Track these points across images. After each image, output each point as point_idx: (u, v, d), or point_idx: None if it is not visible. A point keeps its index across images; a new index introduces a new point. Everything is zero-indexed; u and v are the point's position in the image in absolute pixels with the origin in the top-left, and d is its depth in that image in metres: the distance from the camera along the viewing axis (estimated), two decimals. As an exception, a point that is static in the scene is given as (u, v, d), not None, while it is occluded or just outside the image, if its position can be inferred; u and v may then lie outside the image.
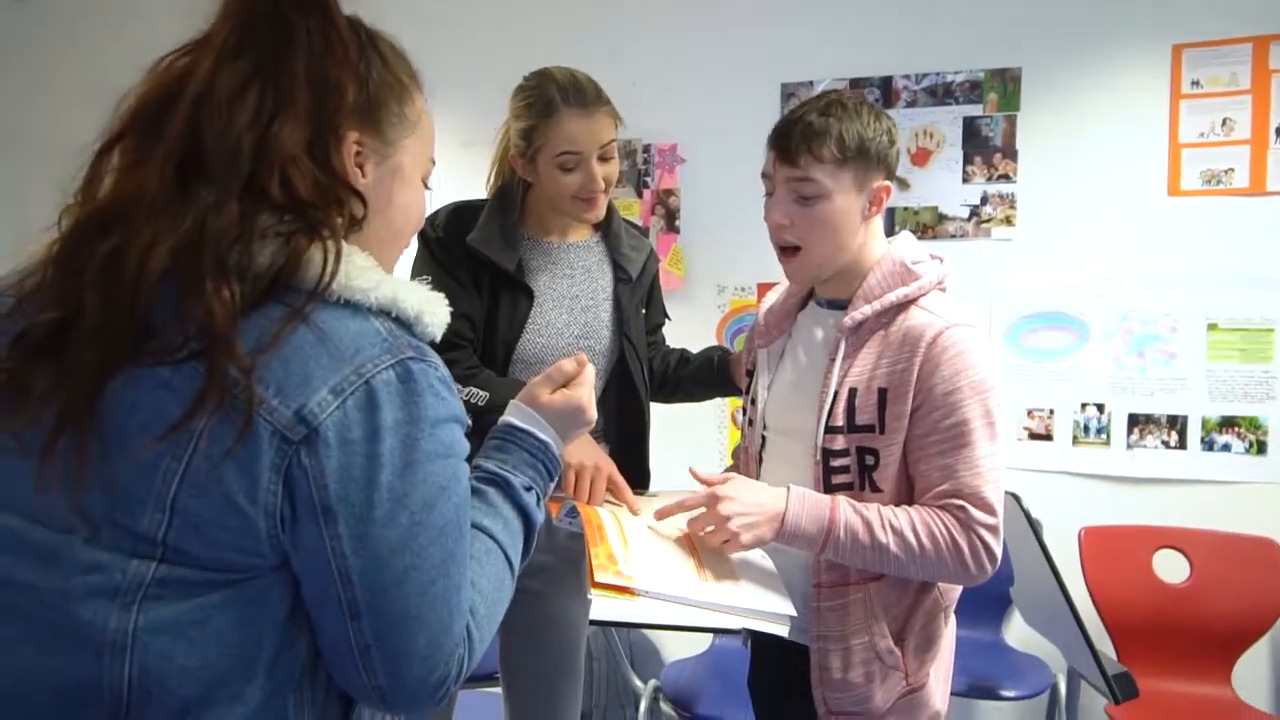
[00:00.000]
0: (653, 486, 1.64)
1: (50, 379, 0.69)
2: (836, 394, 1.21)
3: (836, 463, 1.21)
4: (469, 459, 0.79)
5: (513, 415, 0.96)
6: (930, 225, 2.58)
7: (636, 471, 1.61)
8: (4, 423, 0.70)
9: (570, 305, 1.59)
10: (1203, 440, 2.38)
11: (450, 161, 2.96)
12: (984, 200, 2.55)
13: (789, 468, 1.26)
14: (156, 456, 0.67)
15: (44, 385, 0.69)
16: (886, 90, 2.61)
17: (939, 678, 1.29)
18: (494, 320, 1.54)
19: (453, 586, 0.73)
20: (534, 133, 1.48)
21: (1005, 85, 2.53)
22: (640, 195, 2.81)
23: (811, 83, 2.65)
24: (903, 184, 2.57)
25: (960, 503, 1.15)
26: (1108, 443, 2.45)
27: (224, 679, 0.70)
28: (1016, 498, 1.76)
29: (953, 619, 1.32)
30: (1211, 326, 2.38)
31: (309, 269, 0.71)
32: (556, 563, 1.58)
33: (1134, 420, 2.43)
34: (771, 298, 1.41)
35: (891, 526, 1.15)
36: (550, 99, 1.46)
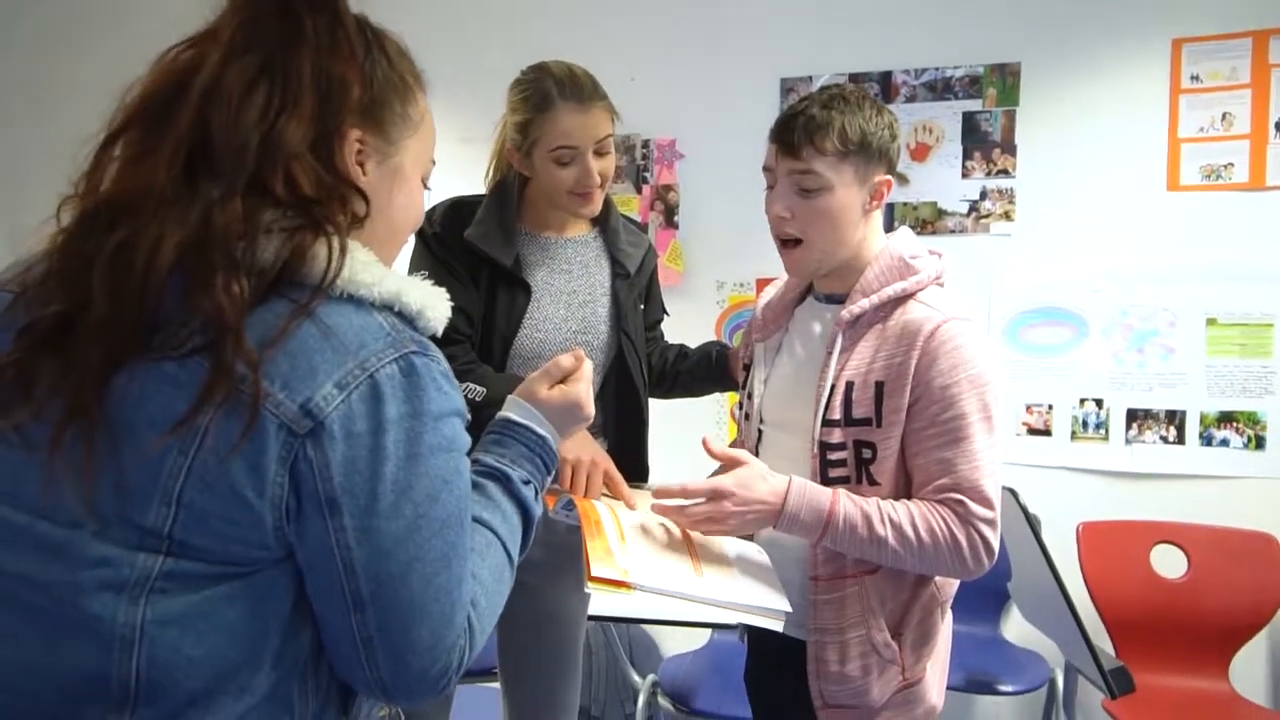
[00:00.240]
0: (651, 481, 1.64)
1: (56, 372, 0.70)
2: (833, 388, 1.21)
3: (834, 456, 1.21)
4: (467, 453, 0.79)
5: (511, 410, 0.96)
6: (929, 220, 2.58)
7: (635, 467, 1.61)
8: (9, 416, 0.70)
9: (568, 300, 1.59)
10: (1201, 435, 2.39)
11: (449, 157, 2.96)
12: (983, 195, 2.55)
13: (786, 462, 1.26)
14: (163, 451, 0.68)
15: (50, 379, 0.70)
16: (886, 85, 2.61)
17: (936, 672, 1.29)
18: (491, 315, 1.54)
19: (454, 579, 0.74)
20: (530, 126, 1.47)
21: (1004, 80, 2.53)
22: (639, 191, 2.80)
23: (811, 78, 2.65)
24: (902, 179, 2.56)
25: (959, 497, 1.15)
26: (1106, 438, 2.45)
27: (231, 670, 0.70)
28: (1014, 493, 1.77)
29: (949, 614, 1.32)
30: (1210, 321, 2.38)
31: (314, 264, 0.72)
32: (554, 558, 1.58)
33: (1133, 415, 2.43)
34: (769, 292, 1.41)
35: (890, 520, 1.15)
36: (546, 93, 1.46)
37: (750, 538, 1.30)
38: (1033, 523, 1.81)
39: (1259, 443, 2.35)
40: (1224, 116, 2.37)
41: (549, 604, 1.65)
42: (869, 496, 1.19)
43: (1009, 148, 2.53)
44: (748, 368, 1.40)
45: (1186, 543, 2.29)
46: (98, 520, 0.69)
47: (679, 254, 2.78)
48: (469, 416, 0.78)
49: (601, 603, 1.07)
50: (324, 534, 0.70)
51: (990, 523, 1.16)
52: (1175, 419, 2.40)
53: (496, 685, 1.76)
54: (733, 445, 1.49)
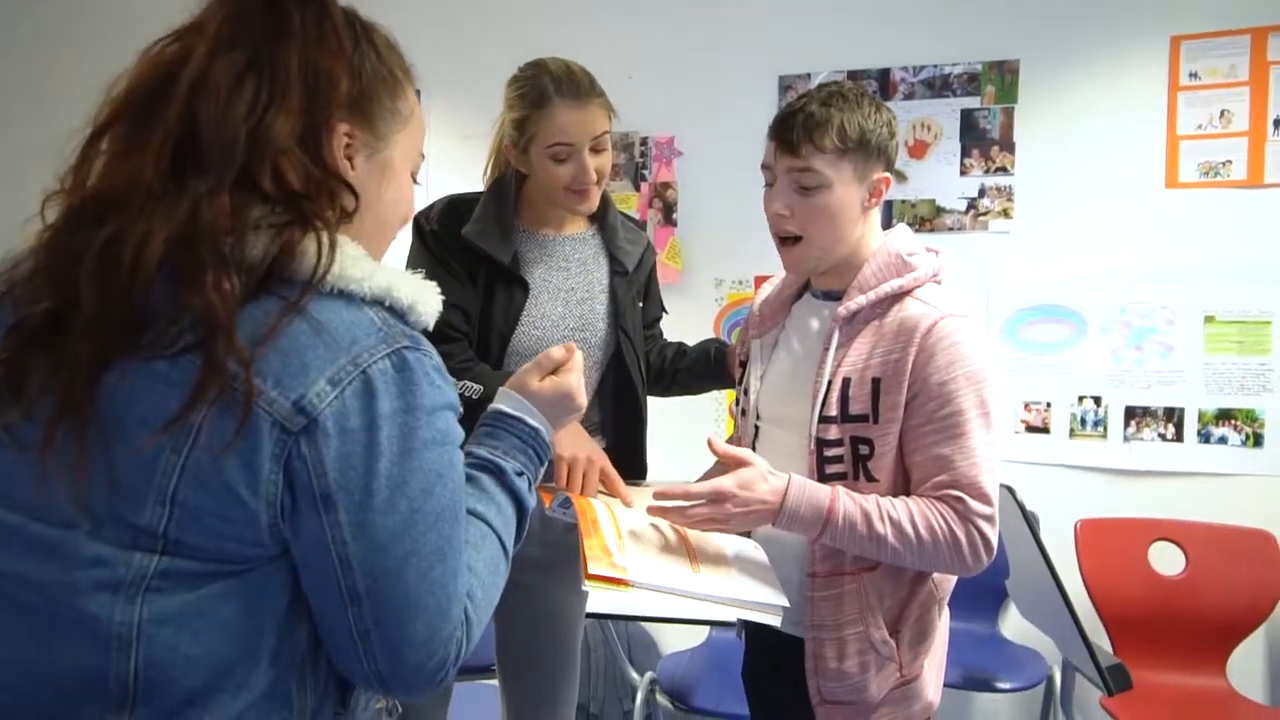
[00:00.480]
0: (650, 479, 1.64)
1: (46, 371, 0.69)
2: (830, 384, 1.21)
3: (830, 452, 1.21)
4: (460, 446, 0.79)
5: (503, 402, 0.96)
6: (928, 218, 2.58)
7: (633, 464, 1.61)
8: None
9: (566, 298, 1.59)
10: (1199, 433, 2.39)
11: (448, 154, 2.98)
12: (981, 193, 2.55)
13: (782, 458, 1.26)
14: (156, 450, 0.68)
15: (40, 377, 0.69)
16: (884, 82, 2.61)
17: (933, 669, 1.29)
18: (489, 313, 1.54)
19: (450, 572, 0.74)
20: (526, 123, 1.47)
21: (1003, 77, 2.53)
22: (638, 188, 2.80)
23: (809, 75, 2.64)
24: (900, 177, 2.56)
25: (957, 494, 1.15)
26: (1105, 435, 2.45)
27: (229, 668, 0.71)
28: (1011, 491, 1.77)
29: (946, 611, 1.33)
30: (1209, 319, 2.38)
31: (303, 260, 0.71)
32: (552, 556, 1.58)
33: (1131, 413, 2.43)
34: (766, 289, 1.41)
35: (889, 518, 1.15)
36: (543, 89, 1.45)
37: (748, 534, 1.30)
38: (1030, 520, 1.81)
39: (1257, 440, 2.35)
40: (1222, 114, 2.37)
41: (547, 602, 1.65)
42: (867, 493, 1.19)
43: (1007, 145, 2.53)
44: (744, 364, 1.40)
45: (1184, 540, 2.30)
46: (91, 520, 0.69)
47: (677, 251, 2.78)
48: (461, 410, 0.78)
49: (599, 600, 1.07)
50: (319, 530, 0.70)
51: (989, 519, 1.16)
52: (1173, 416, 2.40)
53: (495, 682, 1.76)
54: (730, 442, 1.50)
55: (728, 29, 2.71)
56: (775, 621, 1.11)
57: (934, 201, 2.58)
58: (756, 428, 1.35)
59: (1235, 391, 2.36)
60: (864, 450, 1.20)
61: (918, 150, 2.59)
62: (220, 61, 0.72)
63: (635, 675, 2.35)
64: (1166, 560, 2.30)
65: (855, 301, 1.22)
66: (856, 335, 1.22)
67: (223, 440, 0.67)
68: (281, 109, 0.72)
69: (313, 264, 0.71)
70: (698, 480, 1.25)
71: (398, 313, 0.75)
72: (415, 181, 0.87)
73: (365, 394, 0.70)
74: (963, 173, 2.56)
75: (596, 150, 1.48)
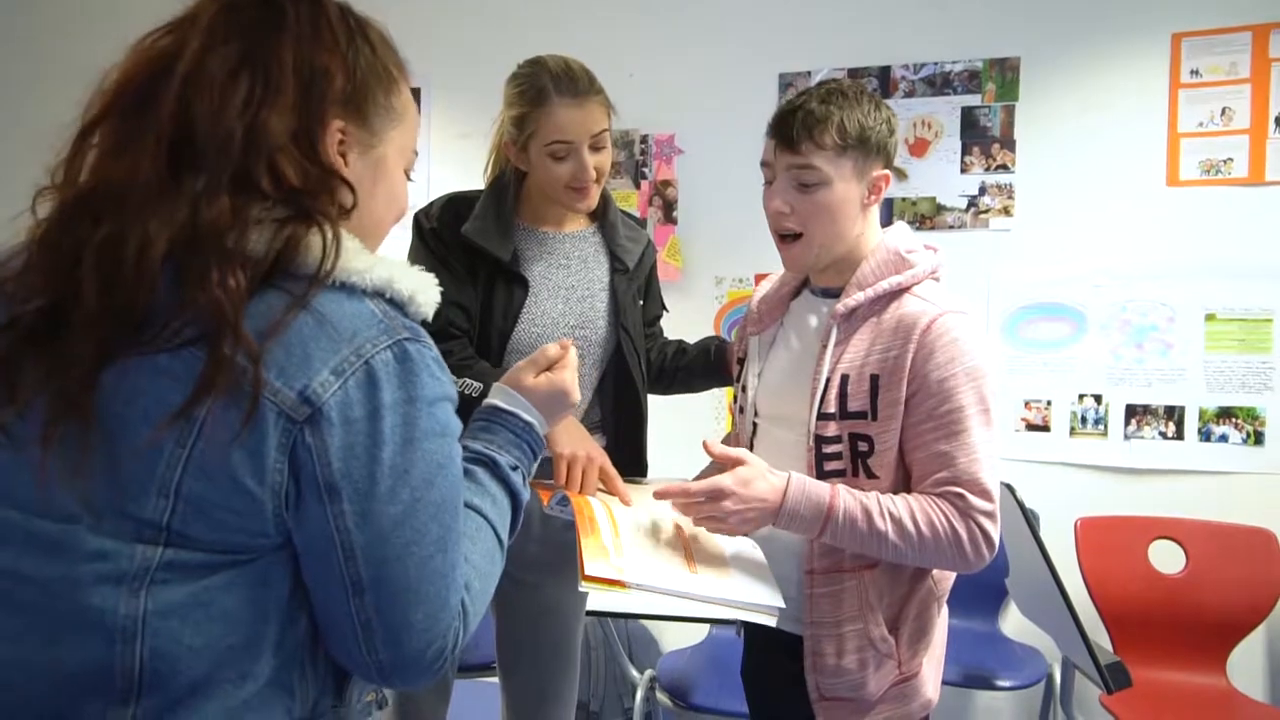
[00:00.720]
0: (650, 476, 1.64)
1: (43, 368, 0.69)
2: (829, 380, 1.21)
3: (829, 449, 1.21)
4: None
5: (497, 398, 0.97)
6: (928, 216, 2.58)
7: (634, 462, 1.61)
8: None
9: (566, 295, 1.59)
10: (1200, 431, 2.38)
11: (448, 152, 2.98)
12: (982, 191, 2.55)
13: (780, 455, 1.26)
14: (159, 443, 0.68)
15: (35, 375, 0.69)
16: (885, 80, 2.60)
17: (931, 666, 1.29)
18: (489, 310, 1.54)
19: (449, 562, 0.75)
20: (526, 120, 1.47)
21: (1004, 75, 2.52)
22: (638, 186, 2.80)
23: (809, 72, 2.64)
24: (900, 174, 2.56)
25: (958, 490, 1.15)
26: (1105, 433, 2.45)
27: (232, 658, 0.71)
28: (1011, 489, 1.77)
29: (945, 608, 1.33)
30: (1209, 317, 2.38)
31: (308, 255, 0.72)
32: (553, 554, 1.58)
33: (1131, 411, 2.43)
34: (764, 286, 1.41)
35: (890, 514, 1.15)
36: (542, 87, 1.45)
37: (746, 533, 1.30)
38: (1030, 518, 1.81)
39: (1258, 438, 2.35)
40: (1223, 111, 2.37)
41: (547, 599, 1.65)
42: (867, 491, 1.19)
43: (1008, 143, 2.53)
44: (742, 361, 1.40)
45: (1185, 538, 2.29)
46: (93, 514, 0.69)
47: (678, 249, 2.78)
48: (458, 401, 0.78)
49: (598, 599, 1.07)
50: (323, 519, 0.71)
51: (990, 515, 1.16)
52: (1174, 414, 2.40)
53: (495, 679, 1.76)
54: (726, 439, 1.50)
55: (728, 27, 2.71)
56: (771, 622, 1.11)
57: (934, 199, 2.58)
58: (755, 425, 1.35)
59: (1236, 389, 2.36)
60: (863, 447, 1.20)
61: (918, 148, 2.59)
62: (214, 56, 0.72)
63: (635, 673, 2.35)
64: (1167, 558, 2.30)
65: (854, 298, 1.22)
66: (855, 332, 1.22)
67: (229, 432, 0.68)
68: (276, 106, 0.72)
69: (318, 258, 0.71)
70: (695, 478, 1.25)
71: (397, 304, 0.76)
72: (409, 178, 0.87)
73: (368, 384, 0.71)
74: (963, 170, 2.56)
75: (596, 148, 1.48)
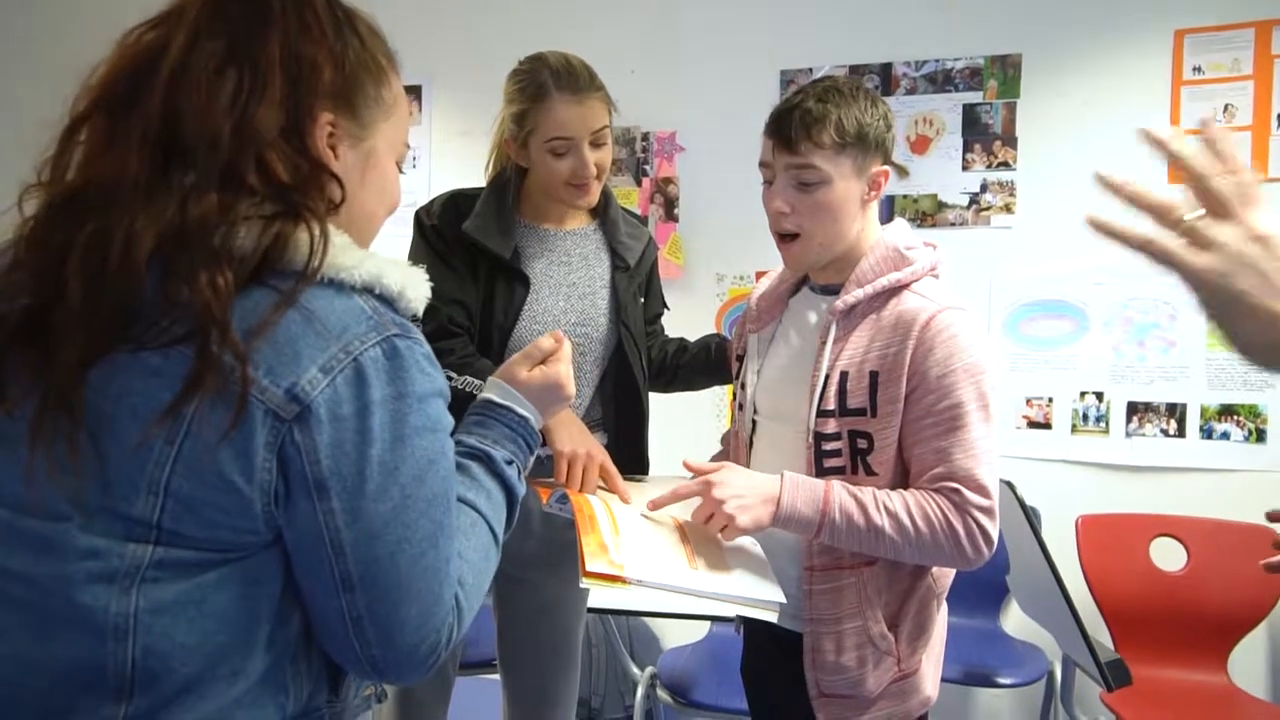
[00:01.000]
0: (651, 474, 1.64)
1: (30, 367, 0.69)
2: (828, 377, 1.21)
3: (828, 446, 1.21)
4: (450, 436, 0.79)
5: (492, 392, 0.97)
6: (929, 213, 2.58)
7: (634, 460, 1.62)
8: None
9: (567, 293, 1.59)
10: (1202, 428, 2.38)
11: (449, 149, 2.98)
12: (983, 188, 2.54)
13: (779, 452, 1.26)
14: (149, 442, 0.68)
15: (23, 373, 0.69)
16: (886, 77, 2.60)
17: (931, 664, 1.29)
18: (490, 308, 1.54)
19: (442, 557, 0.75)
20: (526, 117, 1.47)
21: (1005, 72, 2.52)
22: (639, 183, 2.80)
23: (811, 69, 2.64)
24: (902, 171, 2.54)
25: (954, 485, 1.15)
26: (1107, 431, 2.45)
27: (225, 655, 0.71)
28: (1011, 486, 1.76)
29: (944, 606, 1.33)
30: (1211, 314, 2.38)
31: (296, 251, 0.71)
32: (553, 552, 1.58)
33: (1133, 408, 2.43)
34: (764, 284, 1.41)
35: (886, 509, 1.15)
36: (542, 83, 1.45)
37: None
38: (1030, 516, 1.81)
39: (1259, 436, 2.34)
40: (1226, 108, 2.36)
41: (548, 597, 1.66)
42: (865, 486, 1.19)
43: (1010, 140, 2.52)
44: (741, 358, 1.40)
45: (1186, 536, 2.29)
46: (83, 513, 0.69)
47: (679, 247, 2.77)
48: (450, 397, 0.78)
49: (599, 596, 1.07)
50: (313, 517, 0.70)
51: (987, 511, 1.16)
52: (1176, 412, 2.40)
53: (496, 677, 1.76)
54: (725, 436, 1.50)
55: (729, 24, 2.70)
56: (771, 617, 1.11)
57: (936, 196, 2.58)
58: (754, 422, 1.35)
59: (1238, 387, 2.36)
60: (862, 444, 1.20)
61: (920, 145, 2.58)
62: (200, 51, 0.72)
63: (636, 670, 2.36)
64: (1168, 556, 2.30)
65: (853, 295, 1.22)
66: (854, 329, 1.22)
67: (218, 430, 0.67)
68: (264, 100, 0.72)
69: (306, 255, 0.71)
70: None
71: (387, 300, 0.75)
72: (400, 170, 0.86)
73: (357, 381, 0.70)
74: (965, 168, 2.55)
75: (596, 145, 1.48)
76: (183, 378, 0.67)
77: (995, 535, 1.17)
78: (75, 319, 0.68)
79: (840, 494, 1.17)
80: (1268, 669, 2.35)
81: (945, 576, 1.29)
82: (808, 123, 1.19)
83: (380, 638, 0.73)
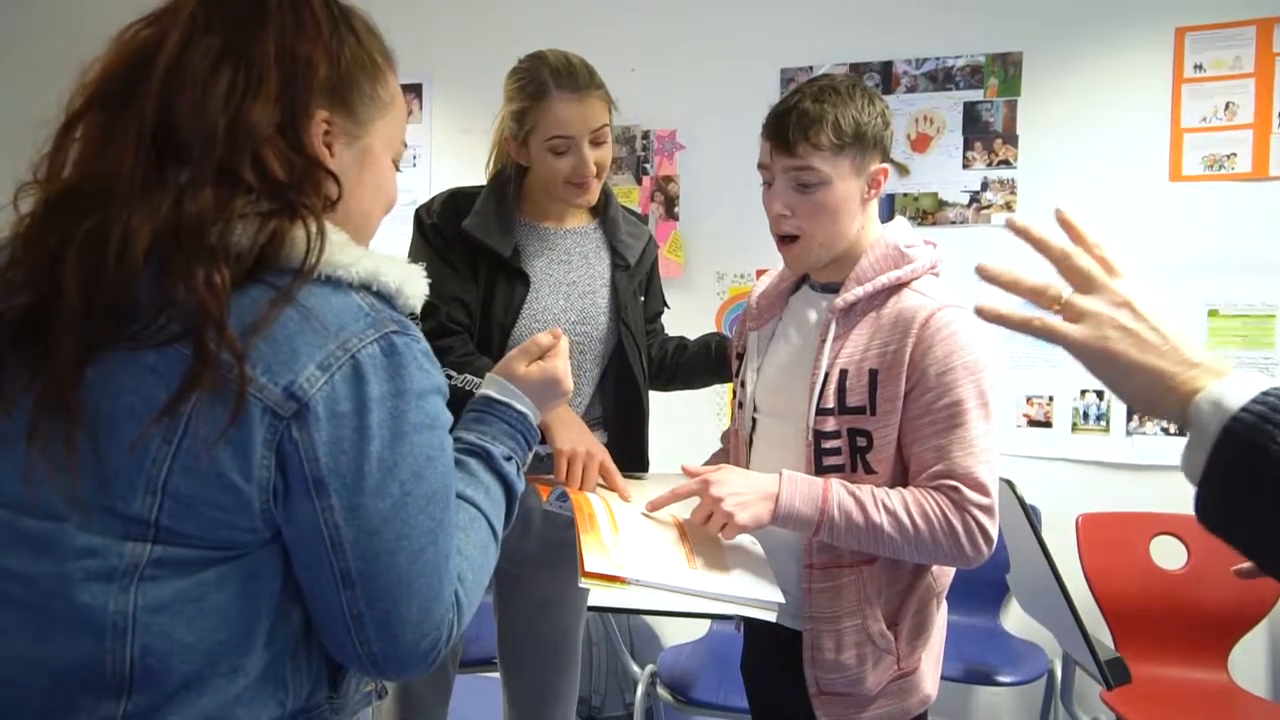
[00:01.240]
0: (651, 472, 1.64)
1: (28, 366, 0.69)
2: (827, 375, 1.21)
3: (828, 444, 1.21)
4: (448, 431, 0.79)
5: (490, 388, 0.97)
6: (930, 211, 2.57)
7: (634, 458, 1.61)
8: None
9: (567, 291, 1.59)
10: (1202, 427, 2.38)
11: (449, 148, 2.97)
12: (984, 186, 2.54)
13: (779, 450, 1.26)
14: (146, 440, 0.68)
15: (21, 372, 0.69)
16: (887, 75, 2.60)
17: (930, 662, 1.29)
18: (490, 306, 1.54)
19: (442, 554, 0.75)
20: (526, 115, 1.47)
21: (1006, 70, 2.51)
22: (639, 182, 2.80)
23: (811, 68, 2.64)
24: (902, 169, 2.54)
25: (953, 483, 1.15)
26: (1107, 429, 2.45)
27: (224, 653, 0.71)
28: (1011, 484, 1.76)
29: (944, 604, 1.32)
30: (1212, 313, 2.37)
31: (293, 249, 0.71)
32: (554, 551, 1.58)
33: (1133, 407, 2.43)
34: (764, 281, 1.41)
35: (885, 506, 1.15)
36: (542, 81, 1.45)
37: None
38: (1030, 514, 1.81)
39: (1260, 434, 2.34)
40: (1227, 106, 2.36)
41: (549, 595, 1.66)
42: (864, 484, 1.18)
43: (1010, 138, 2.52)
44: (740, 356, 1.40)
45: (1186, 534, 2.29)
46: (81, 511, 0.69)
47: (679, 245, 2.77)
48: (449, 394, 0.78)
49: (598, 595, 1.08)
50: (312, 514, 0.70)
51: (986, 509, 1.15)
52: (1176, 410, 2.40)
53: (496, 675, 1.76)
54: (725, 434, 1.50)
55: (730, 22, 2.70)
56: (771, 617, 1.11)
57: (936, 195, 2.57)
58: (754, 420, 1.35)
59: (1239, 385, 2.35)
60: (862, 442, 1.20)
61: (920, 143, 2.58)
62: (195, 48, 0.72)
63: (636, 668, 2.36)
64: (1168, 554, 2.30)
65: (853, 293, 1.22)
66: (854, 327, 1.22)
67: (216, 429, 0.67)
68: (259, 97, 0.72)
69: (303, 252, 0.71)
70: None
71: (385, 297, 0.75)
72: (398, 169, 0.86)
73: (355, 379, 0.70)
74: (965, 166, 2.55)
75: (596, 143, 1.48)
76: (180, 376, 0.67)
77: (994, 533, 1.17)
78: (72, 317, 0.68)
79: (839, 492, 1.17)
80: (1268, 667, 2.35)
81: (945, 575, 1.29)
82: (805, 124, 1.18)
83: (380, 634, 0.73)
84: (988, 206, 2.54)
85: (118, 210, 0.69)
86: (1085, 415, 2.46)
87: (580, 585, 1.05)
